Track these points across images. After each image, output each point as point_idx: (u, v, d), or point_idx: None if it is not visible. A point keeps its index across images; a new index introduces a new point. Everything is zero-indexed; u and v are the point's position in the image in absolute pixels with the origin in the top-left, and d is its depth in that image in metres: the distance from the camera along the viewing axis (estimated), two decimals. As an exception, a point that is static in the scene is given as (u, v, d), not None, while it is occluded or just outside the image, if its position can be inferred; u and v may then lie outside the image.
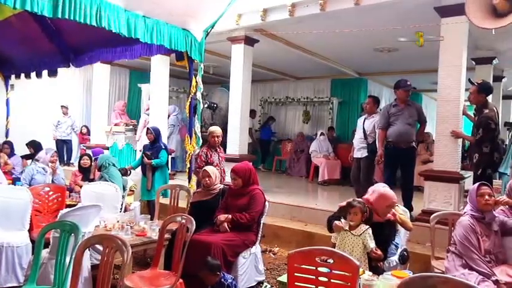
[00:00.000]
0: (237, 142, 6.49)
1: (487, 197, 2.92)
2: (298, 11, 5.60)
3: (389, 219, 3.16)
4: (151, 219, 4.20)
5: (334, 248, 2.88)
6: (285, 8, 5.64)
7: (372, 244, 2.90)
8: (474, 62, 7.30)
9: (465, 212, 3.06)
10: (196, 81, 5.16)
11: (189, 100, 5.25)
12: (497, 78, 8.36)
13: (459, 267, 2.83)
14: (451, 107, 4.66)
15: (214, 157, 4.84)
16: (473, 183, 3.94)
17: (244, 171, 3.82)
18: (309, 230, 4.98)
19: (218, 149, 4.96)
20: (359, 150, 5.68)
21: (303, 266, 2.33)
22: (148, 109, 7.95)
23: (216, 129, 4.97)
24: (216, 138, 4.87)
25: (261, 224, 3.79)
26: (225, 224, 3.60)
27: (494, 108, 4.35)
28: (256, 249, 3.78)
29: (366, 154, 5.56)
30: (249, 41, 6.53)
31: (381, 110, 5.83)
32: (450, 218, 3.51)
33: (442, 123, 4.74)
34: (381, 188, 3.23)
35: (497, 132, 4.36)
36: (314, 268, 2.27)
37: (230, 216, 3.62)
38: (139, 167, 5.72)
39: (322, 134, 8.98)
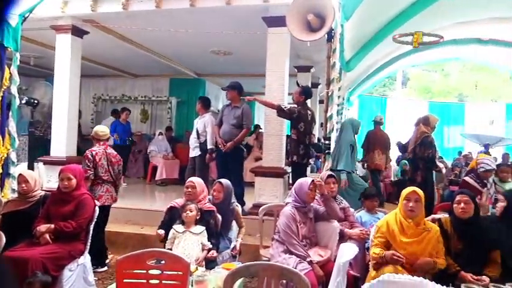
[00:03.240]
0: (64, 143, 5.84)
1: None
2: (132, 5, 5.35)
3: (211, 209, 3.41)
4: None
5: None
6: (118, 1, 5.33)
7: (208, 244, 3.07)
8: (296, 69, 8.24)
9: (288, 203, 3.41)
10: (10, 73, 4.47)
11: (1, 94, 4.52)
12: (315, 85, 9.63)
13: (281, 253, 3.14)
14: (277, 109, 5.15)
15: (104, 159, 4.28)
16: (294, 176, 4.45)
17: (77, 171, 3.49)
18: (145, 233, 4.84)
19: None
20: (194, 150, 5.84)
21: (135, 271, 2.25)
22: None
23: (98, 129, 4.41)
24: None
25: (90, 232, 3.50)
26: (47, 235, 3.19)
27: (309, 111, 5.00)
28: (85, 259, 3.46)
29: (200, 153, 5.74)
30: (77, 32, 5.94)
31: (219, 110, 6.07)
32: (275, 210, 3.88)
33: (269, 123, 5.20)
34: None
35: (300, 126, 4.87)
36: (145, 271, 2.21)
37: (52, 225, 3.23)
38: None
39: (160, 133, 8.87)
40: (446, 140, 16.64)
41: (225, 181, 3.74)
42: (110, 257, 4.64)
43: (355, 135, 5.21)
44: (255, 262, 2.00)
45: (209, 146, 5.60)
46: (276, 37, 5.06)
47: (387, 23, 7.27)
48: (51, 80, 6.45)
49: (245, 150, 5.69)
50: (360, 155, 6.84)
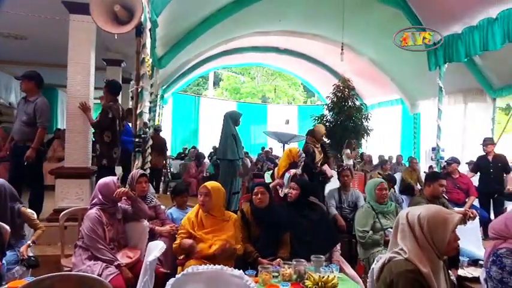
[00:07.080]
0: None
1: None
2: None
3: None
4: None
5: None
6: None
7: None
8: (105, 62, 7.73)
9: (92, 205, 3.16)
10: None
11: None
12: (127, 80, 9.22)
13: (86, 260, 2.90)
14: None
15: None
16: (99, 175, 4.19)
17: None
18: None
19: None
20: None
21: None
22: None
23: None
24: None
25: None
26: None
27: (120, 107, 4.79)
28: None
29: None
30: None
31: (10, 103, 5.16)
32: (80, 214, 3.55)
33: (72, 119, 4.72)
34: None
35: (116, 125, 4.72)
36: None
37: None
38: None
39: None
40: (252, 137, 18.42)
41: None
42: None
43: (236, 126, 5.46)
44: (48, 275, 1.78)
45: None
46: (79, 25, 4.63)
47: (196, 25, 7.56)
48: None
49: (44, 148, 4.99)
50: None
